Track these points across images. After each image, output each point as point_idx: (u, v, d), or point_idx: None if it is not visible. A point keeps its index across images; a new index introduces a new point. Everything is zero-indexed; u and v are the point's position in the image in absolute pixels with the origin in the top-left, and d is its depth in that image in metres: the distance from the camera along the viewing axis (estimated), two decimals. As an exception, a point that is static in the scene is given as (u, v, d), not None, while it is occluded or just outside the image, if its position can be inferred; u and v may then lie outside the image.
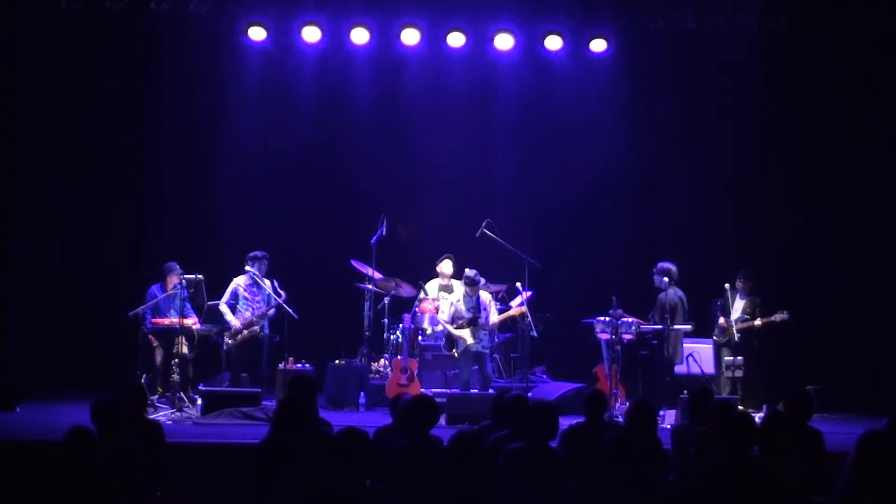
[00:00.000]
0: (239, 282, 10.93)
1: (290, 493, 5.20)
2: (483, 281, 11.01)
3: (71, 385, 11.24)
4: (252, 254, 10.95)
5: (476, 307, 10.87)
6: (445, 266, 11.97)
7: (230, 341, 10.76)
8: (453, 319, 10.94)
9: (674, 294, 10.84)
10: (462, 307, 10.92)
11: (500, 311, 11.21)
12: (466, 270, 10.93)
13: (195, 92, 12.56)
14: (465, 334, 10.83)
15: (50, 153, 11.97)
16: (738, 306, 11.29)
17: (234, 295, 10.90)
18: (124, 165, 12.52)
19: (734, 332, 11.10)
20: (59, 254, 12.11)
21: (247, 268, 10.88)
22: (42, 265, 11.88)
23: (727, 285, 11.23)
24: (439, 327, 11.50)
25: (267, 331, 10.93)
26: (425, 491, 5.39)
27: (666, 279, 10.87)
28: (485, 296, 11.01)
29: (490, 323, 10.86)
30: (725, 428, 5.42)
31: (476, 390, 10.70)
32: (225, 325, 10.80)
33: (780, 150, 12.68)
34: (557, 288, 12.25)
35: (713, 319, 11.31)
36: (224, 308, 10.82)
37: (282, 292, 10.78)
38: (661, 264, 11.01)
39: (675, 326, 10.64)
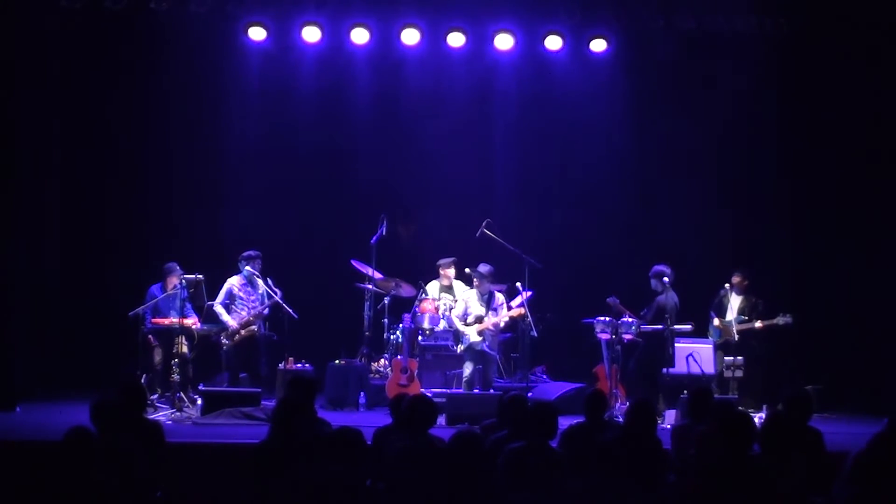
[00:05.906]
0: (233, 282, 10.95)
1: (289, 493, 5.20)
2: (489, 268, 11.03)
3: (71, 385, 11.24)
4: (247, 253, 10.97)
5: (487, 305, 10.95)
6: (451, 270, 11.99)
7: (227, 342, 10.77)
8: (464, 316, 11.02)
9: (667, 297, 10.92)
10: (472, 304, 11.00)
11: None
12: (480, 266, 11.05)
13: (195, 92, 12.54)
14: (471, 331, 10.88)
15: (50, 153, 11.97)
16: (734, 305, 11.28)
17: (230, 295, 10.92)
18: (124, 165, 12.52)
19: (733, 331, 11.08)
20: (59, 254, 12.11)
21: (247, 268, 10.89)
22: (42, 265, 11.87)
23: (727, 285, 11.26)
24: (440, 326, 11.52)
25: (264, 330, 10.95)
26: (425, 491, 5.39)
27: (666, 280, 10.93)
28: (498, 296, 11.11)
29: (493, 322, 10.89)
30: (725, 428, 5.42)
31: (477, 390, 10.72)
32: (222, 326, 10.82)
33: (780, 149, 12.68)
34: (557, 288, 12.24)
35: (709, 320, 11.30)
36: (219, 308, 10.83)
37: (277, 290, 10.80)
38: (655, 267, 11.07)
39: (676, 327, 10.68)
